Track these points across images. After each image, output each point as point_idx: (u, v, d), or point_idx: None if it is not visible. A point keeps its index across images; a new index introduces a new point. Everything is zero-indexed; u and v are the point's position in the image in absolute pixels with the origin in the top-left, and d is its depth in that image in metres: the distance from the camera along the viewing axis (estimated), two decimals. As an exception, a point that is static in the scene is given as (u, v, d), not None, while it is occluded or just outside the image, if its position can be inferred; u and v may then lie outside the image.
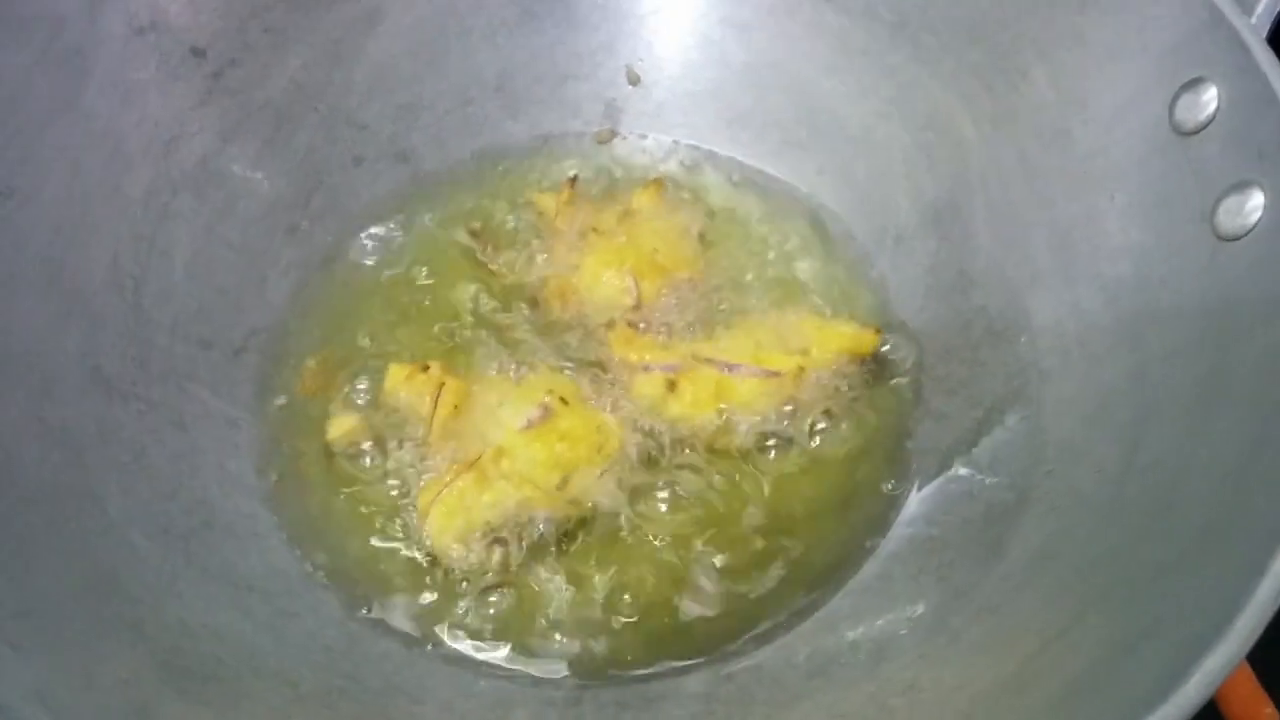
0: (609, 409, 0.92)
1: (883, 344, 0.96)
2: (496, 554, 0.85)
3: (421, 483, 0.88)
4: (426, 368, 0.90)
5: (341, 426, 0.91)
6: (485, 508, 0.85)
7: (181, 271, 0.94)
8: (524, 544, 0.85)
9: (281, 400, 0.94)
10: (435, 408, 0.87)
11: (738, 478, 0.91)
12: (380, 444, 0.90)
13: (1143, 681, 0.59)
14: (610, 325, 0.97)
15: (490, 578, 0.84)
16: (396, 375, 0.91)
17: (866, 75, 1.05)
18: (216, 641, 0.74)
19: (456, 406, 0.88)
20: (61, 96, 0.87)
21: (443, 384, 0.88)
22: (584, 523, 0.87)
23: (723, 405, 0.91)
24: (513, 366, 0.94)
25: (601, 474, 0.88)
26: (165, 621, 0.73)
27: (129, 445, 0.83)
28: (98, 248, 0.88)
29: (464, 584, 0.84)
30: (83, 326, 0.85)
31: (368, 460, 0.90)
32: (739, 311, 0.99)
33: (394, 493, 0.88)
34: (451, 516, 0.84)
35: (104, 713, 0.64)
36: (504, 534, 0.85)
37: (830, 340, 0.93)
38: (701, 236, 1.05)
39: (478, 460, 0.85)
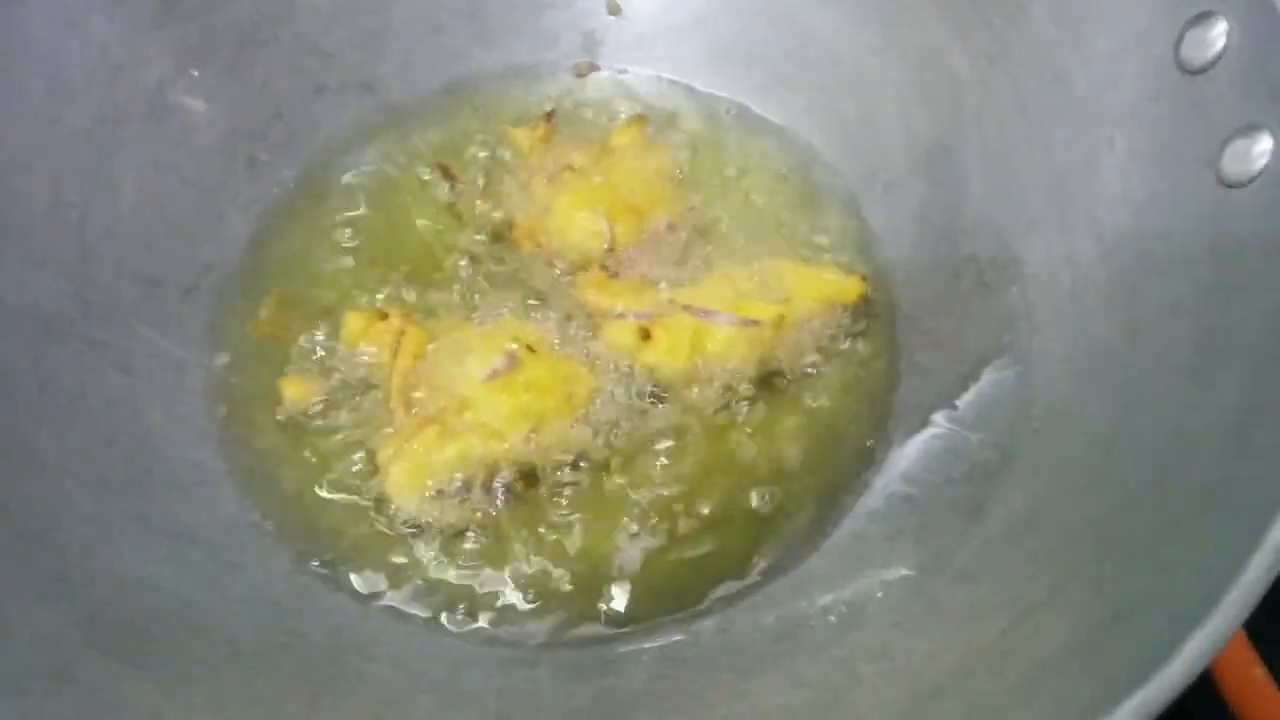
0: (579, 357, 0.87)
1: (867, 292, 0.91)
2: (458, 510, 0.81)
3: (382, 437, 0.84)
4: (385, 315, 0.85)
5: (294, 388, 0.86)
6: (448, 462, 0.81)
7: (129, 205, 0.89)
8: (488, 499, 0.82)
9: (235, 342, 0.90)
10: (394, 358, 0.83)
11: (712, 430, 0.87)
12: (335, 400, 0.86)
13: (1126, 658, 0.56)
14: (583, 269, 0.92)
15: (450, 534, 0.81)
16: (354, 324, 0.87)
17: (859, 6, 0.99)
18: (151, 596, 0.70)
19: (417, 357, 0.84)
20: (-5, 17, 0.81)
21: (402, 333, 0.84)
22: (551, 476, 0.83)
23: (698, 355, 0.87)
24: (476, 313, 0.89)
25: (571, 425, 0.84)
26: (94, 575, 0.69)
27: (67, 388, 0.79)
28: (37, 179, 0.83)
29: (421, 540, 0.81)
30: (19, 261, 0.80)
31: (324, 412, 0.86)
32: (718, 257, 0.94)
33: (352, 445, 0.85)
34: (412, 472, 0.80)
35: (20, 672, 0.60)
36: (467, 488, 0.81)
37: (813, 288, 0.89)
38: (681, 177, 1.00)
39: (440, 413, 0.81)
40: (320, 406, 0.86)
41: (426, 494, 0.80)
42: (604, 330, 0.88)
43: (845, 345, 0.90)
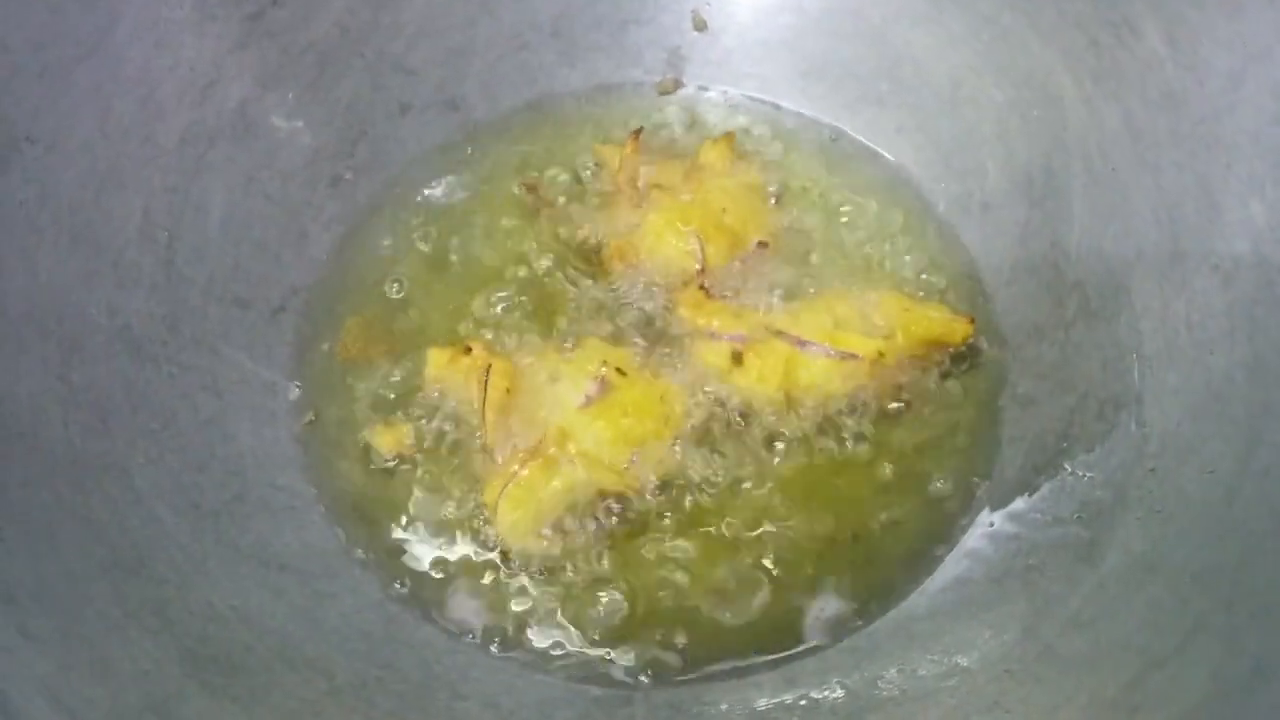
0: (669, 377, 0.85)
1: (973, 336, 0.87)
2: (566, 543, 0.79)
3: (475, 467, 0.82)
4: (468, 349, 0.83)
5: (384, 438, 0.84)
6: (555, 495, 0.78)
7: (217, 226, 0.88)
8: (595, 530, 0.79)
9: (321, 365, 0.89)
10: (485, 392, 0.81)
11: (802, 462, 0.84)
12: (422, 434, 0.84)
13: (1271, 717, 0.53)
14: (683, 286, 0.89)
15: (552, 567, 0.79)
16: (438, 361, 0.84)
17: (956, 24, 0.96)
18: (246, 627, 0.69)
19: (508, 390, 0.81)
20: (90, 37, 0.81)
21: (489, 366, 0.81)
22: (652, 504, 0.81)
23: (790, 384, 0.84)
24: (562, 335, 0.88)
25: (671, 446, 0.82)
26: (192, 605, 0.68)
27: (158, 411, 0.79)
28: (128, 200, 0.83)
29: (517, 572, 0.79)
30: (111, 283, 0.80)
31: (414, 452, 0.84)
32: (819, 283, 0.91)
33: (442, 474, 0.83)
34: (521, 509, 0.77)
35: (120, 708, 0.59)
36: (574, 520, 0.79)
37: (917, 326, 0.85)
38: (773, 197, 0.98)
39: (540, 445, 0.79)
40: (411, 449, 0.84)
41: (537, 528, 0.78)
42: (696, 350, 0.86)
43: (945, 377, 0.87)
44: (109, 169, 0.82)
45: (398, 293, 0.93)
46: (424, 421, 0.85)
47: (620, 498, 0.80)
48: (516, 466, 0.77)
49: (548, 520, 0.78)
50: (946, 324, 0.85)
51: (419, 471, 0.83)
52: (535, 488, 0.77)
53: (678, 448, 0.82)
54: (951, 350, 0.86)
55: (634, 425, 0.80)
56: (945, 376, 0.87)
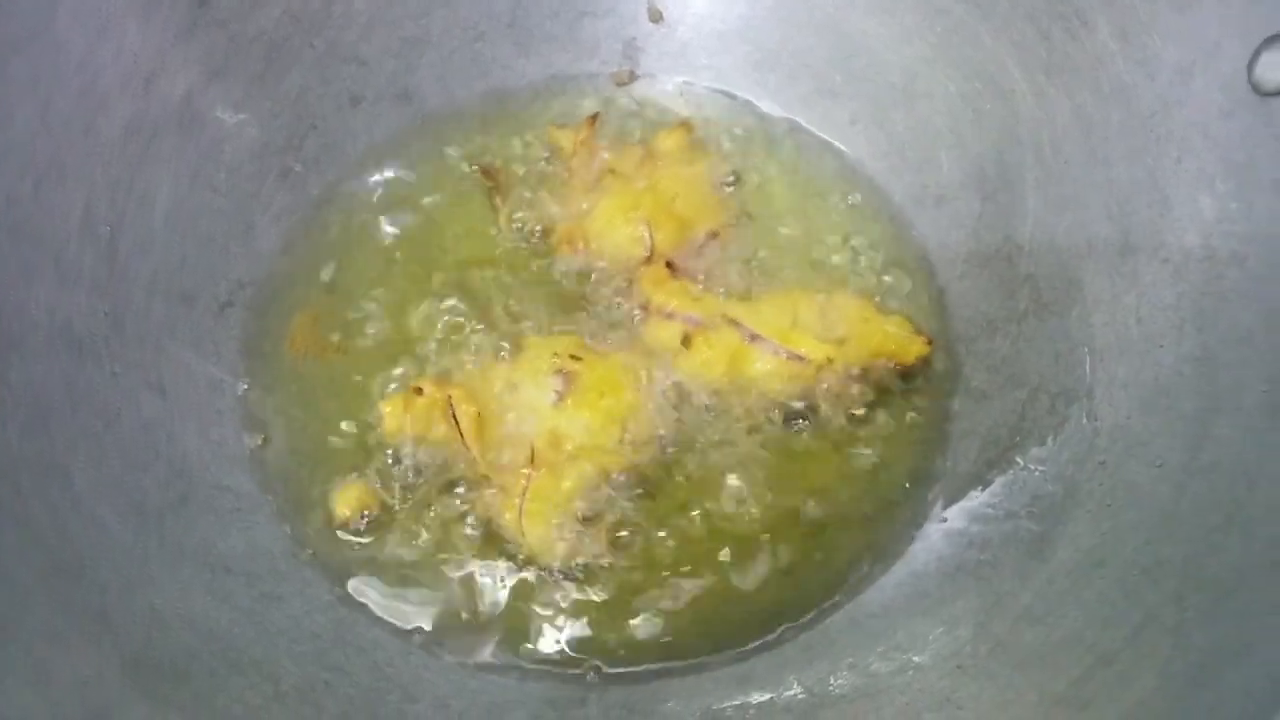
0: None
1: (929, 355, 0.87)
2: (589, 536, 0.78)
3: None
4: (418, 390, 0.81)
5: (347, 501, 0.80)
6: (569, 496, 0.78)
7: (162, 220, 0.86)
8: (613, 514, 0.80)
9: (270, 362, 0.88)
10: (458, 424, 0.79)
11: (756, 454, 0.84)
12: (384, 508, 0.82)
13: (1219, 714, 0.54)
14: (647, 262, 0.89)
15: (572, 567, 0.78)
16: (394, 413, 0.81)
17: (910, 16, 0.96)
18: (190, 632, 0.68)
19: (479, 413, 0.80)
20: (28, 24, 0.79)
21: (449, 398, 0.80)
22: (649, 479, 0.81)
23: (735, 375, 0.84)
24: (502, 347, 0.86)
25: (654, 411, 0.82)
26: (134, 610, 0.67)
27: (100, 411, 0.77)
28: (69, 193, 0.80)
29: (477, 571, 0.78)
30: (51, 279, 0.78)
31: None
32: (768, 274, 0.91)
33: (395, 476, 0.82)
34: (543, 519, 0.77)
35: (59, 718, 0.58)
36: (592, 511, 0.79)
37: (873, 337, 0.85)
38: (725, 187, 0.97)
39: (535, 455, 0.78)
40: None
41: (563, 532, 0.77)
42: (648, 326, 0.86)
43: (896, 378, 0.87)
44: (48, 162, 0.80)
45: (349, 286, 0.92)
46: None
47: (629, 473, 0.80)
48: (523, 482, 0.77)
49: (571, 524, 0.78)
50: (902, 340, 0.85)
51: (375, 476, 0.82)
52: (550, 496, 0.77)
53: (661, 408, 0.82)
54: (904, 366, 0.86)
55: (615, 402, 0.80)
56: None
